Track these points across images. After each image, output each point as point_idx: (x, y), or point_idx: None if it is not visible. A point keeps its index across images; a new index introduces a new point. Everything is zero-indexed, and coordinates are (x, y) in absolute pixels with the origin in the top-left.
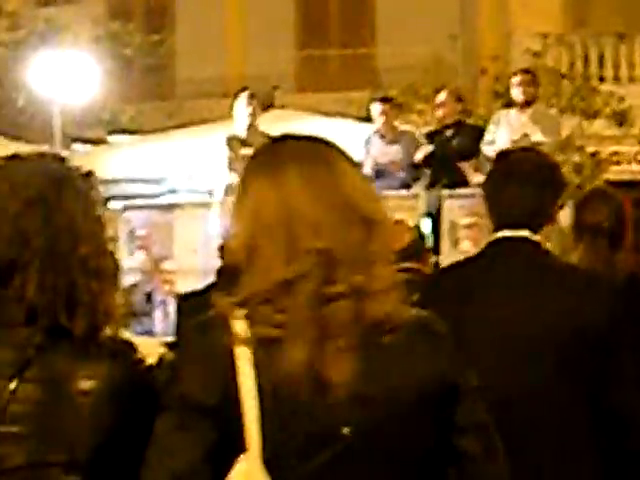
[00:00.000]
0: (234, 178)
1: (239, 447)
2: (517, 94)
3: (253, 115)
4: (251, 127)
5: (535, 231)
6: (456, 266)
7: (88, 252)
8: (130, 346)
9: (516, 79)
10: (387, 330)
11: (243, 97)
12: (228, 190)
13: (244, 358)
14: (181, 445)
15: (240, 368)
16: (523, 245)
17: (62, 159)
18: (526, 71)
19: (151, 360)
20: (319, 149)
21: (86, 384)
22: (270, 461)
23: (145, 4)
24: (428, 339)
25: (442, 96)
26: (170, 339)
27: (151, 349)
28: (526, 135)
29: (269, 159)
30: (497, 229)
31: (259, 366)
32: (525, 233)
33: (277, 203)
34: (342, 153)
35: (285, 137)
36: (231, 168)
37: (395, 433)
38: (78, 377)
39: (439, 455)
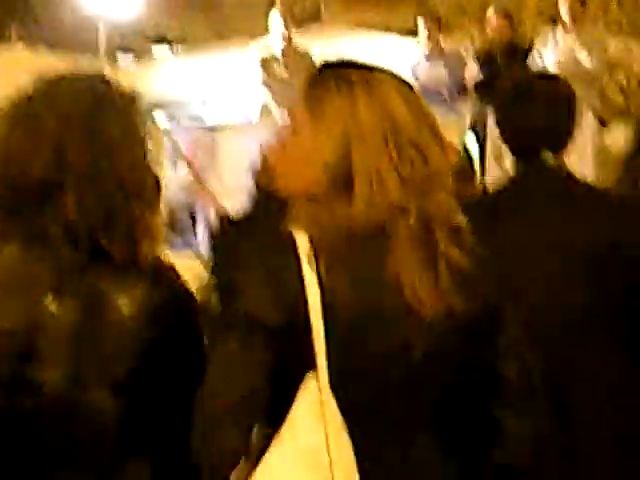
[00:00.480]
0: (268, 98)
1: (303, 366)
2: (564, 13)
3: (286, 25)
4: (286, 41)
5: (557, 152)
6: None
7: (128, 174)
8: (172, 269)
9: None
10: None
11: (276, 10)
12: (263, 112)
13: (313, 278)
14: (245, 365)
15: (308, 289)
16: (549, 169)
17: (107, 80)
18: None
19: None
20: (392, 72)
21: (126, 305)
22: (335, 380)
23: None
24: (478, 262)
25: (489, 13)
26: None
27: (193, 271)
28: (574, 59)
29: (354, 76)
30: (517, 153)
31: (328, 288)
32: (548, 155)
33: (382, 120)
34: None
35: (346, 62)
36: (265, 85)
37: (456, 356)
38: (118, 298)
39: (483, 383)
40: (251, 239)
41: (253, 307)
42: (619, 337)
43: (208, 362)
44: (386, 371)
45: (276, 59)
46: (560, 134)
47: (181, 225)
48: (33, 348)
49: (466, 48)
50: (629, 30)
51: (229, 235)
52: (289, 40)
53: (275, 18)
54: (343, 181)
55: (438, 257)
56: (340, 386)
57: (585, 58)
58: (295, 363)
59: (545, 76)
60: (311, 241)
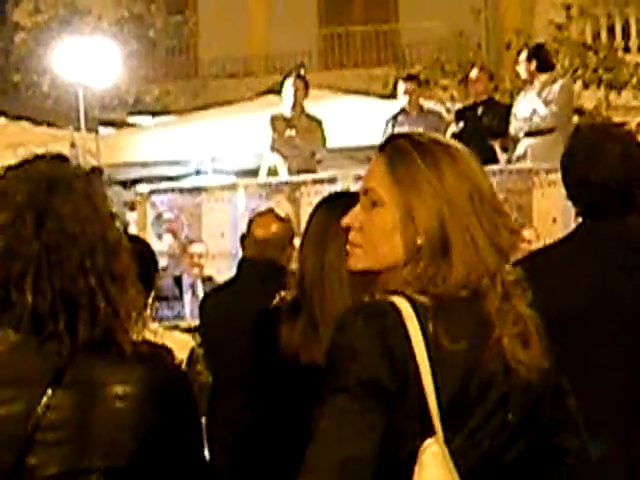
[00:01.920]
0: (276, 159)
1: (415, 430)
2: (521, 71)
3: (296, 95)
4: (296, 107)
5: (631, 211)
6: (549, 249)
7: (85, 253)
8: (166, 350)
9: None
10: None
11: (291, 76)
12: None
13: (421, 345)
14: (360, 429)
15: (418, 355)
16: (621, 227)
17: (63, 158)
18: (525, 50)
19: (182, 355)
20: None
21: (122, 389)
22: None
23: None
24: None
25: (474, 73)
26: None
27: (182, 344)
28: (535, 111)
29: (433, 147)
30: (589, 213)
31: (440, 354)
32: (621, 215)
33: (469, 188)
34: None
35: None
36: (273, 148)
37: (533, 416)
38: (114, 382)
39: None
40: (219, 313)
41: (366, 370)
42: None
43: (317, 427)
44: (486, 433)
45: (285, 118)
46: (633, 190)
47: (168, 295)
48: (31, 438)
49: (448, 109)
50: (608, 82)
51: (204, 308)
52: (301, 106)
53: (288, 86)
54: (440, 247)
55: (526, 318)
56: (458, 450)
57: (542, 111)
58: (404, 431)
59: (618, 132)
60: (414, 307)
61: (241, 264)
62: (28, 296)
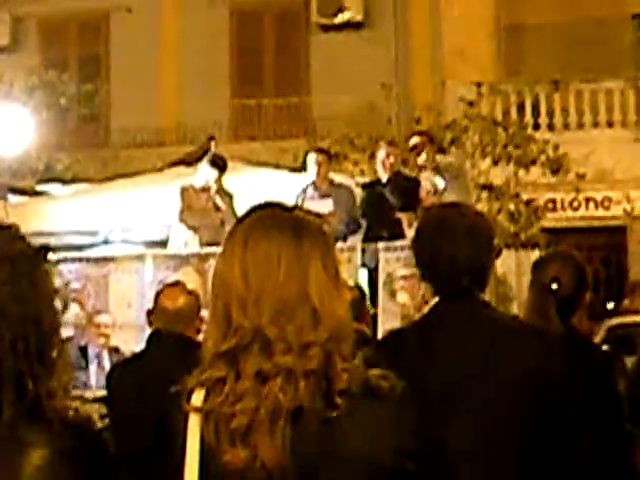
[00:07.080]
0: (183, 230)
1: None
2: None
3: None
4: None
5: (482, 289)
6: (403, 330)
7: (19, 337)
8: (88, 419)
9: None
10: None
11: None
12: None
13: (194, 434)
14: None
15: (189, 445)
16: (474, 306)
17: (11, 234)
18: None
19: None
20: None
21: (39, 456)
22: None
23: (80, 53)
24: (374, 409)
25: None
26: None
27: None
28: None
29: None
30: (441, 292)
31: (207, 445)
32: (473, 294)
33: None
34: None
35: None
36: (181, 219)
37: None
38: (33, 450)
39: None
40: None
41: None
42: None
43: None
44: None
45: (195, 189)
46: (482, 268)
47: (73, 365)
48: None
49: (357, 183)
50: (517, 158)
51: (110, 381)
52: (219, 182)
53: (205, 166)
54: None
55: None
56: None
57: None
58: None
59: (466, 210)
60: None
61: (151, 337)
62: None
